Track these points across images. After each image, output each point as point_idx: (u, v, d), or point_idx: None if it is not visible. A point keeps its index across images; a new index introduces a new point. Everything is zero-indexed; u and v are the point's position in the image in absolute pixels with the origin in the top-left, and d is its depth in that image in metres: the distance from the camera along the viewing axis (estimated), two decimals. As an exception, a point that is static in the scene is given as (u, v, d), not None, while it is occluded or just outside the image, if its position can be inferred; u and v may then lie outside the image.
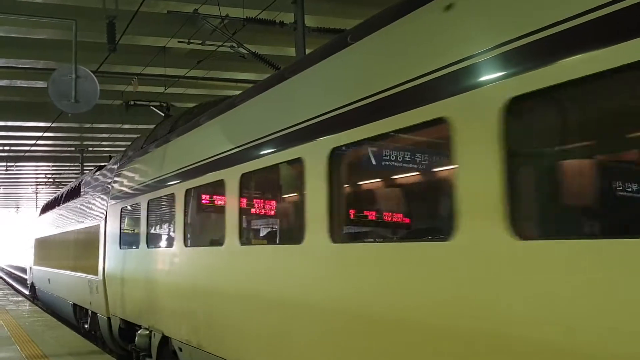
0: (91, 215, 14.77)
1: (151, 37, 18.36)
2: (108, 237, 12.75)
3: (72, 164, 41.66)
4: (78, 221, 16.45)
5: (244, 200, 6.84)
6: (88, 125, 29.51)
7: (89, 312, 14.53)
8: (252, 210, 7.05)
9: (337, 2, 15.85)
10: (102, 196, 13.83)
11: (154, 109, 14.50)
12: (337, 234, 5.09)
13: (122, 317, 11.40)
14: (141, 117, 28.06)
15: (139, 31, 16.99)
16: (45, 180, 46.45)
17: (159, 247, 9.80)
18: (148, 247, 10.12)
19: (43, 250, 23.38)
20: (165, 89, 22.51)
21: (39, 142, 34.26)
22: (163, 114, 14.07)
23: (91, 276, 13.79)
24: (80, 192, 17.03)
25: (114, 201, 12.53)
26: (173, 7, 15.46)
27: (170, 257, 8.92)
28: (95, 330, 14.08)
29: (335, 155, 5.09)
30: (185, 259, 8.32)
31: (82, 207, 16.20)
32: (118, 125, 29.31)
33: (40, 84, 21.85)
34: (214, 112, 8.10)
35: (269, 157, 6.16)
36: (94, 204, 14.66)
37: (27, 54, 19.59)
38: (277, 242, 6.86)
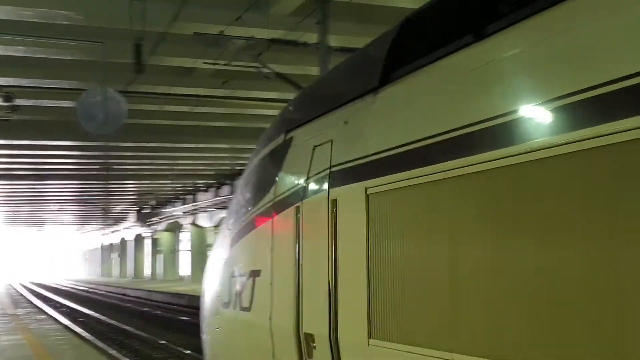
0: None
1: (178, 57, 18.49)
2: None
3: (97, 182, 42.01)
4: None
5: None
6: (113, 144, 29.73)
7: None
8: None
9: (360, 22, 15.84)
10: None
11: None
12: None
13: None
14: (167, 135, 28.31)
15: (166, 52, 17.10)
16: (71, 198, 46.91)
17: None
18: None
19: None
20: (192, 108, 22.65)
21: (65, 160, 34.59)
22: None
23: None
24: None
25: None
26: (199, 28, 15.55)
27: None
28: None
29: None
30: None
31: None
32: (143, 144, 29.51)
33: (66, 103, 22.04)
34: None
35: None
36: None
37: (53, 74, 19.78)
38: None
